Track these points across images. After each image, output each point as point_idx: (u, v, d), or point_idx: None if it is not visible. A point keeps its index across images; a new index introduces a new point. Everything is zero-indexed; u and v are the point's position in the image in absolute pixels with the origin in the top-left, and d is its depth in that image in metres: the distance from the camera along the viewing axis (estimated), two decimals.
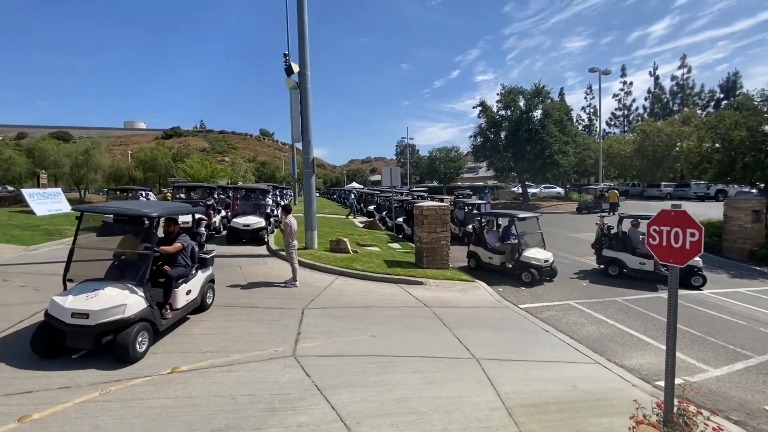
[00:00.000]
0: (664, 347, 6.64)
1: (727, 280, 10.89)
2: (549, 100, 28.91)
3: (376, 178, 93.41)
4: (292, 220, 7.82)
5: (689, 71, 54.53)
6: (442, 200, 21.68)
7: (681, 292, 9.44)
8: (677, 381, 5.39)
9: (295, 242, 7.84)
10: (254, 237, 11.88)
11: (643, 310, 8.06)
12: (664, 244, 3.24)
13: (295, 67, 10.38)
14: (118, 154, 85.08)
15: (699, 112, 46.33)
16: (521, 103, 29.00)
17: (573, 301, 8.56)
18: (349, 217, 23.91)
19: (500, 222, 11.86)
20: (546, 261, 9.94)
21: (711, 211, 20.16)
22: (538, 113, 28.69)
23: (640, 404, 3.44)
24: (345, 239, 10.87)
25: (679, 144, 41.88)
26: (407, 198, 20.93)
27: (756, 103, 14.67)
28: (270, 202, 12.32)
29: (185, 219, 12.16)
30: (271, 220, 13.03)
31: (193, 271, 5.77)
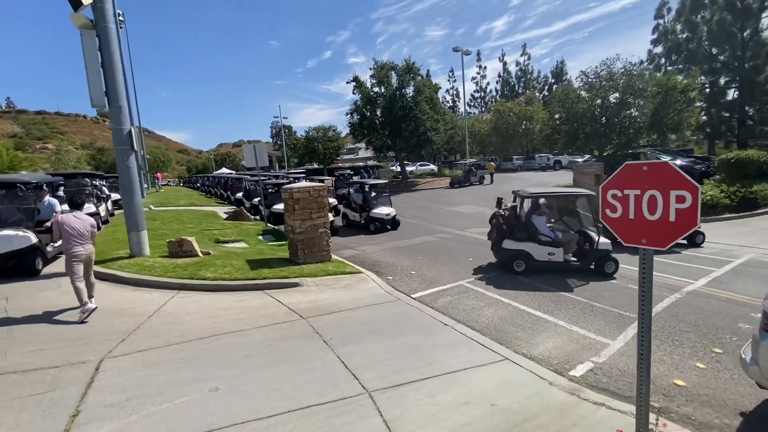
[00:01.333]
0: (561, 322, 6.30)
1: None
2: (420, 77, 29.26)
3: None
4: (65, 217, 5.04)
5: (529, 58, 63.20)
6: (322, 182, 19.85)
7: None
8: (588, 366, 4.86)
9: (78, 249, 5.12)
10: (13, 267, 6.81)
11: (534, 283, 7.79)
12: (632, 216, 2.12)
13: None
14: None
15: (537, 94, 54.10)
16: (394, 80, 28.68)
17: (465, 281, 7.87)
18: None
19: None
20: (611, 244, 8.11)
21: (556, 179, 23.08)
22: (410, 90, 28.79)
23: None
24: (190, 239, 8.26)
25: (524, 122, 48.23)
26: (284, 181, 18.47)
27: (591, 80, 16.54)
28: (54, 201, 8.11)
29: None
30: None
31: None
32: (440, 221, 15.41)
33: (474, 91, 68.03)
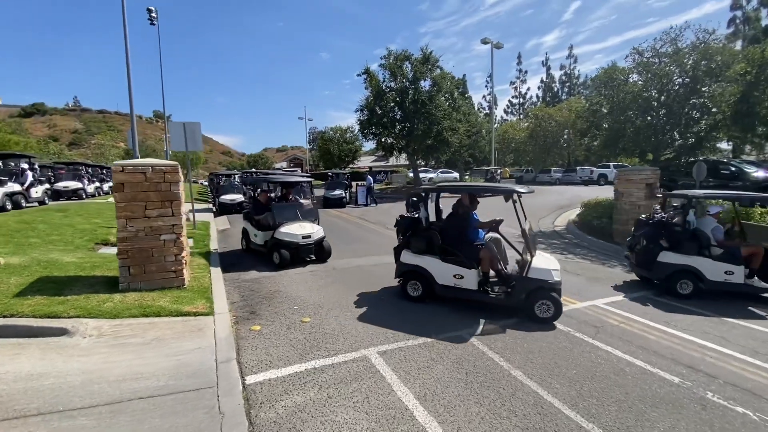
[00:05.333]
0: None
1: (625, 281, 7.84)
2: (438, 70, 25.61)
3: (280, 165, 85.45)
4: None
5: (575, 61, 57.51)
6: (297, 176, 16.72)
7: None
8: None
9: None
10: None
11: (508, 369, 4.08)
12: None
13: None
14: None
15: (583, 101, 48.56)
16: (408, 71, 25.22)
17: (375, 351, 4.29)
18: None
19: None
20: None
21: (598, 193, 18.55)
22: (426, 84, 25.23)
23: None
24: None
25: (566, 131, 43.09)
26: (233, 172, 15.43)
27: (647, 59, 12.32)
28: None
29: None
30: None
31: None
32: None
33: (512, 97, 63.08)
